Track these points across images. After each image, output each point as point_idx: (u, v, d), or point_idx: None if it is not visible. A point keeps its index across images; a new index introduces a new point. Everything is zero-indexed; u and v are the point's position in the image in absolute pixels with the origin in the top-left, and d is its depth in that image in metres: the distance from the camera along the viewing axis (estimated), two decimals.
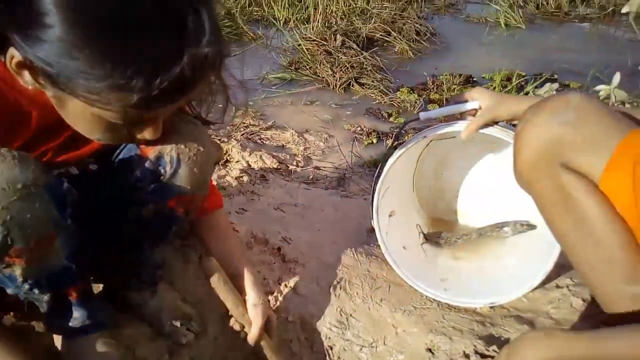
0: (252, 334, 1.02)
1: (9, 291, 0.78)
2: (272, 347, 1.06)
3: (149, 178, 0.86)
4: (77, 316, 0.85)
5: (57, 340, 0.88)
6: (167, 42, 0.59)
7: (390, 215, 1.29)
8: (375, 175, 1.20)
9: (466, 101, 1.10)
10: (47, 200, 0.72)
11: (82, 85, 0.59)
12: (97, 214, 0.89)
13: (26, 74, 0.64)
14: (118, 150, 0.91)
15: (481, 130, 1.06)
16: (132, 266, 0.95)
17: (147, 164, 0.85)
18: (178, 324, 1.01)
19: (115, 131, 0.70)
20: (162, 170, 0.85)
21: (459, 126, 1.09)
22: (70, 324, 0.85)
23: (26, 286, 0.76)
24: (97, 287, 1.02)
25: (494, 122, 1.07)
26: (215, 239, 1.10)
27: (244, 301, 1.04)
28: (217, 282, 1.01)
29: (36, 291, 0.78)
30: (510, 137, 1.07)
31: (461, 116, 1.13)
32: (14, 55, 0.61)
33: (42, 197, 0.72)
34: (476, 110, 1.09)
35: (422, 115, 1.16)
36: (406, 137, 1.34)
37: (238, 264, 1.06)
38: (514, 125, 1.12)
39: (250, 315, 1.02)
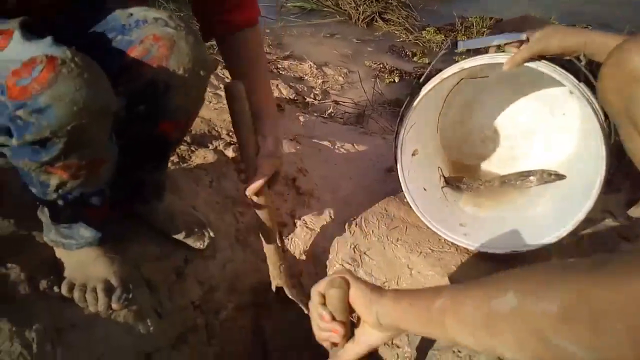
0: (254, 185, 0.86)
1: (33, 190, 0.73)
2: (268, 210, 0.93)
3: (132, 99, 0.74)
4: (88, 236, 0.81)
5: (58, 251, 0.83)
6: None
7: (413, 154, 1.22)
8: (403, 107, 1.12)
9: (512, 31, 1.00)
10: (111, 125, 0.67)
11: None
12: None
13: None
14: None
15: (527, 64, 0.97)
16: (132, 187, 0.90)
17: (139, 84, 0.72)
18: (195, 228, 0.97)
19: None
20: (150, 97, 0.74)
21: (502, 58, 0.99)
22: (75, 240, 0.80)
23: (54, 195, 0.71)
24: None
25: (541, 57, 0.98)
26: (238, 63, 0.90)
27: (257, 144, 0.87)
28: (239, 112, 0.84)
29: (60, 202, 0.73)
30: (558, 75, 0.98)
31: (503, 48, 1.03)
32: None
33: (110, 121, 0.66)
34: (522, 42, 0.99)
35: (461, 44, 1.06)
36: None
37: (260, 99, 0.87)
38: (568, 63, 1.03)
39: (259, 163, 0.86)
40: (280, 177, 0.94)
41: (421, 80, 1.13)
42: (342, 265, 1.13)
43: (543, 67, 0.98)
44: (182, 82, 0.73)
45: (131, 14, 0.72)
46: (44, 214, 0.80)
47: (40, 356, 0.69)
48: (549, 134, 1.32)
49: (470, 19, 2.59)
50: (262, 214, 0.93)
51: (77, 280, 0.79)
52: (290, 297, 1.02)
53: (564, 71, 0.99)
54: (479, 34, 2.43)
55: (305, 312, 0.98)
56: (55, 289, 0.78)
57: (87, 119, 0.60)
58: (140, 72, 0.71)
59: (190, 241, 0.97)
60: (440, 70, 1.11)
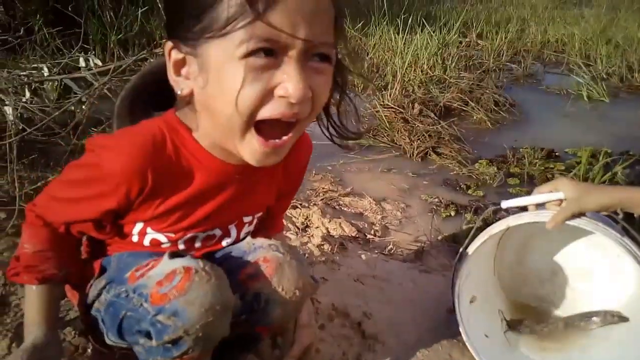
0: (293, 354, 1.00)
1: None
2: None
3: (240, 309, 0.88)
4: None
5: None
6: None
7: (471, 302, 1.29)
8: (456, 260, 1.22)
9: (550, 192, 1.11)
10: (229, 317, 0.79)
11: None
12: None
13: (184, 69, 0.68)
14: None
15: (569, 222, 1.07)
16: None
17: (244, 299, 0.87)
18: None
19: (256, 79, 0.63)
20: (255, 306, 0.88)
21: (544, 216, 1.09)
22: None
23: None
24: None
25: (581, 214, 1.08)
26: None
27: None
28: None
29: None
30: (601, 232, 1.06)
31: (544, 206, 1.13)
32: (175, 57, 0.67)
33: (229, 316, 0.78)
34: (561, 200, 1.10)
35: (504, 204, 1.18)
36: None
37: None
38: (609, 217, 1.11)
39: (297, 334, 1.01)
40: (313, 349, 1.06)
41: (467, 241, 1.24)
42: None
43: (585, 224, 1.06)
44: (281, 299, 0.87)
45: (254, 243, 0.92)
46: None
47: None
48: (606, 275, 1.36)
49: (521, 150, 2.72)
50: None
51: None
52: None
53: (606, 227, 1.07)
54: (531, 164, 2.54)
55: None
56: None
57: (213, 317, 0.73)
58: (248, 286, 0.87)
59: None
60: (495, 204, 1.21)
